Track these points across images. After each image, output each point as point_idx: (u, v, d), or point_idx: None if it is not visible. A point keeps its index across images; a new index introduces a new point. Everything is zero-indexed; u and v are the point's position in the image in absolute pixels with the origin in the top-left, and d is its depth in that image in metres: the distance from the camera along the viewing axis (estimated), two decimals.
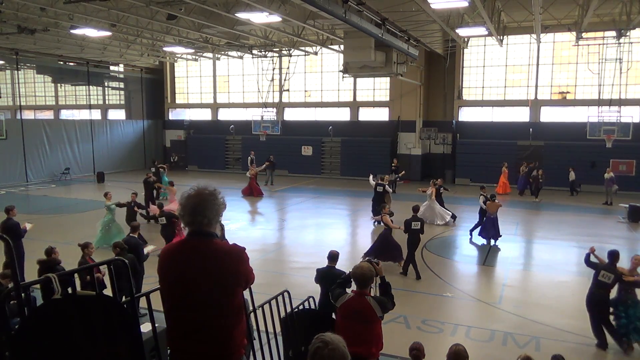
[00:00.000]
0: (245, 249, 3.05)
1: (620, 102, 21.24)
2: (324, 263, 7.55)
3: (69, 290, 2.93)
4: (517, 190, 22.44)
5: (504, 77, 25.68)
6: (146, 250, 8.71)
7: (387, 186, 16.08)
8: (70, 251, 11.53)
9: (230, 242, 3.27)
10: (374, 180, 16.23)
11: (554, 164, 23.07)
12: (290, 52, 27.13)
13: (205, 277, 2.87)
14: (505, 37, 21.46)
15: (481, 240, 13.80)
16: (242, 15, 15.89)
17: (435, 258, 12.47)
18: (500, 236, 13.61)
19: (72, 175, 27.35)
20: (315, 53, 27.25)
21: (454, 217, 16.26)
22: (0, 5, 15.97)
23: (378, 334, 4.93)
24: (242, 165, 29.96)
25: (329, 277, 6.93)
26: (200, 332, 2.91)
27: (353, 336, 4.76)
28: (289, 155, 28.58)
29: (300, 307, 5.80)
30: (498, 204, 13.58)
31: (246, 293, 3.30)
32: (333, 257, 7.51)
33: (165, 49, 25.50)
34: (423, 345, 5.26)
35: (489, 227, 13.48)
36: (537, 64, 24.88)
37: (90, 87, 32.35)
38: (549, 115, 25.07)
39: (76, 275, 3.46)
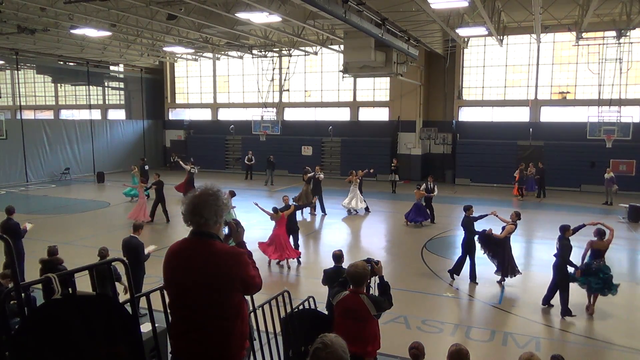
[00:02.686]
0: (244, 252, 3.01)
1: (620, 102, 21.24)
2: (323, 263, 7.55)
3: (69, 290, 2.93)
4: (529, 192, 21.92)
5: (504, 77, 25.67)
6: (147, 250, 8.70)
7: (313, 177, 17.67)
8: (70, 251, 11.55)
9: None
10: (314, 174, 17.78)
11: (554, 164, 23.05)
12: (290, 52, 27.13)
13: (199, 277, 2.87)
14: (505, 37, 21.45)
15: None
16: (242, 15, 15.89)
17: (435, 258, 12.47)
18: (427, 219, 15.94)
19: (72, 175, 27.34)
20: (315, 53, 27.25)
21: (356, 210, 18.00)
22: (0, 5, 15.97)
23: (374, 332, 4.93)
24: (242, 165, 29.96)
25: (337, 277, 6.91)
26: (196, 333, 2.92)
27: (348, 334, 4.76)
28: (289, 155, 28.56)
29: (300, 307, 5.79)
30: (422, 193, 16.07)
31: None
32: (338, 257, 7.52)
33: (165, 49, 25.50)
34: (423, 345, 5.26)
35: (413, 211, 15.89)
36: (537, 64, 24.87)
37: (90, 87, 32.34)
38: (549, 115, 25.06)
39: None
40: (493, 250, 10.42)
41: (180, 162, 21.44)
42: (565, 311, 8.73)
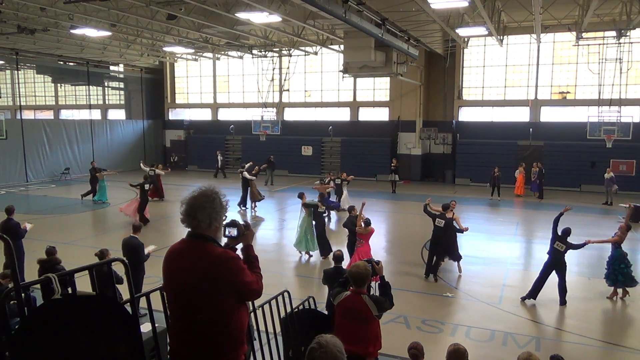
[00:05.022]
0: (237, 257, 2.96)
1: (620, 102, 21.23)
2: (323, 263, 7.55)
3: (69, 290, 2.94)
4: (533, 193, 21.69)
5: (504, 77, 25.67)
6: (147, 250, 8.70)
7: (250, 174, 18.23)
8: (70, 251, 11.55)
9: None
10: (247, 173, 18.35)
11: (554, 164, 23.05)
12: (290, 52, 27.13)
13: (189, 280, 2.86)
14: (505, 37, 21.44)
15: None
16: (242, 15, 15.89)
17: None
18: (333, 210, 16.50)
19: (72, 175, 27.33)
20: (315, 53, 27.25)
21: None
22: (0, 5, 15.97)
23: (375, 333, 4.93)
24: (240, 164, 29.96)
25: (337, 277, 6.92)
26: (186, 335, 2.92)
27: (350, 335, 4.76)
28: (289, 155, 28.57)
29: (300, 307, 5.80)
30: (325, 187, 16.62)
31: None
32: (338, 257, 7.56)
33: (165, 49, 25.50)
34: (423, 345, 5.26)
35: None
36: (537, 64, 24.86)
37: (90, 87, 32.33)
38: (549, 115, 25.06)
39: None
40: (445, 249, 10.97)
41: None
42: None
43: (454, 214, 11.25)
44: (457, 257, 11.23)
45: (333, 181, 18.24)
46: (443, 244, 10.85)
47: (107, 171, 21.05)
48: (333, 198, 17.74)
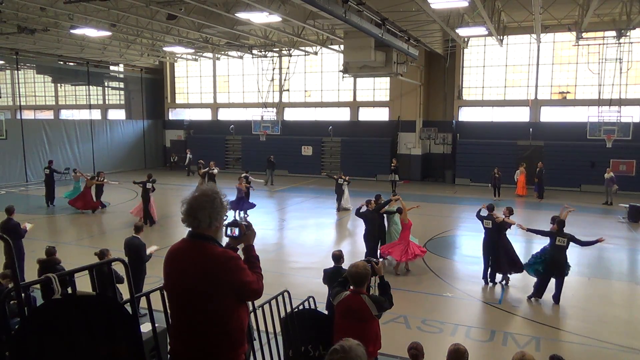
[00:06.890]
0: (237, 257, 2.95)
1: (620, 102, 21.23)
2: (323, 263, 7.54)
3: (69, 290, 2.93)
4: (535, 193, 21.65)
5: (504, 77, 25.67)
6: (149, 250, 8.69)
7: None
8: (69, 251, 11.56)
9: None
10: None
11: (554, 164, 23.05)
12: (290, 52, 27.13)
13: (188, 279, 2.87)
14: (505, 37, 21.44)
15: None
16: (242, 15, 15.89)
17: (435, 258, 12.46)
18: (251, 207, 16.96)
19: (72, 175, 27.32)
20: (315, 53, 27.25)
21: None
22: (0, 5, 15.97)
23: (375, 333, 4.93)
24: (242, 165, 29.94)
25: (337, 277, 6.91)
26: (186, 335, 2.93)
27: (349, 335, 4.73)
28: (289, 155, 28.57)
29: (300, 307, 5.79)
30: (246, 184, 17.12)
31: None
32: (338, 257, 7.53)
33: (165, 49, 25.50)
34: (423, 345, 5.25)
35: (235, 201, 16.62)
36: (537, 64, 24.86)
37: (90, 87, 32.31)
38: (549, 115, 25.06)
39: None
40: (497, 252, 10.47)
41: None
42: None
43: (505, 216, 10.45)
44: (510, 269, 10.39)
45: (247, 179, 17.68)
46: (494, 248, 10.32)
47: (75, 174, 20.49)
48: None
